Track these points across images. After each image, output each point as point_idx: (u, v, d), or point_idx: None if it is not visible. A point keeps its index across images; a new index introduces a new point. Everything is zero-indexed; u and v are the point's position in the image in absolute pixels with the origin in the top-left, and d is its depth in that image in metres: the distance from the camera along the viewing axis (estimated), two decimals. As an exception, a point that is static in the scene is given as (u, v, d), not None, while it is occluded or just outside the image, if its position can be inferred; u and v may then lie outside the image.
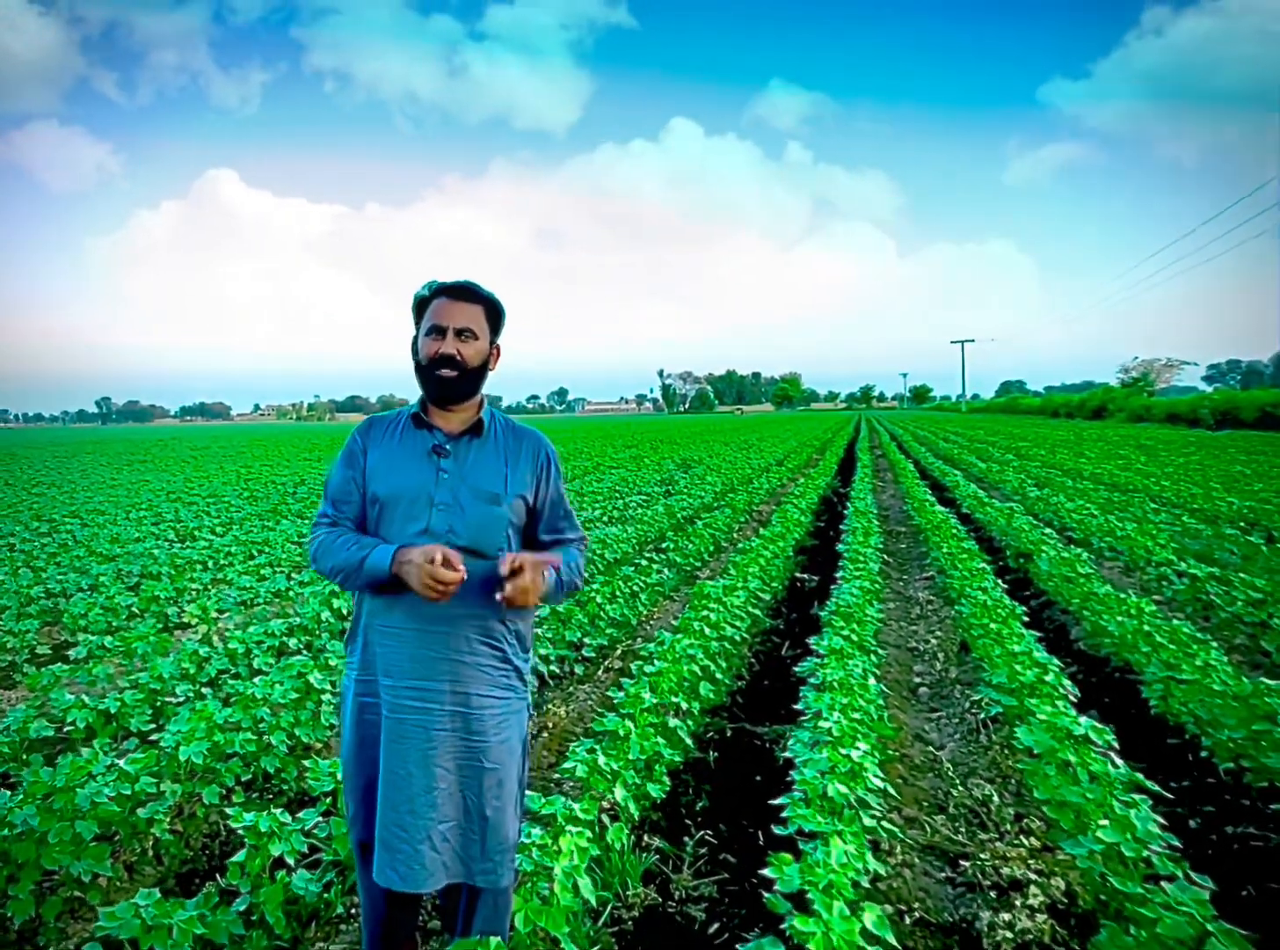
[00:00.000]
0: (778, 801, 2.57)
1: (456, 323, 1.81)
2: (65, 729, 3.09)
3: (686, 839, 2.92)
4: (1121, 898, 2.14)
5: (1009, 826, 2.92)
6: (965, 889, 2.61)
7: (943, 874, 2.71)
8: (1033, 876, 2.53)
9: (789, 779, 2.71)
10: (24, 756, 2.91)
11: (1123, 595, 5.07)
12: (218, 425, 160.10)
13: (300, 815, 2.40)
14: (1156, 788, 2.61)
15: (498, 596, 1.67)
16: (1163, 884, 2.09)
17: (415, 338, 1.88)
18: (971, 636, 4.70)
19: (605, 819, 2.68)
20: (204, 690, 3.55)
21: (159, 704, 3.38)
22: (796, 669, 3.95)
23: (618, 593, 5.36)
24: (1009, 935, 2.26)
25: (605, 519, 9.68)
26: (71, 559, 7.28)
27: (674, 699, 3.50)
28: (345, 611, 4.87)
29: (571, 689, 4.36)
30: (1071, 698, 3.51)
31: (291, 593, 5.77)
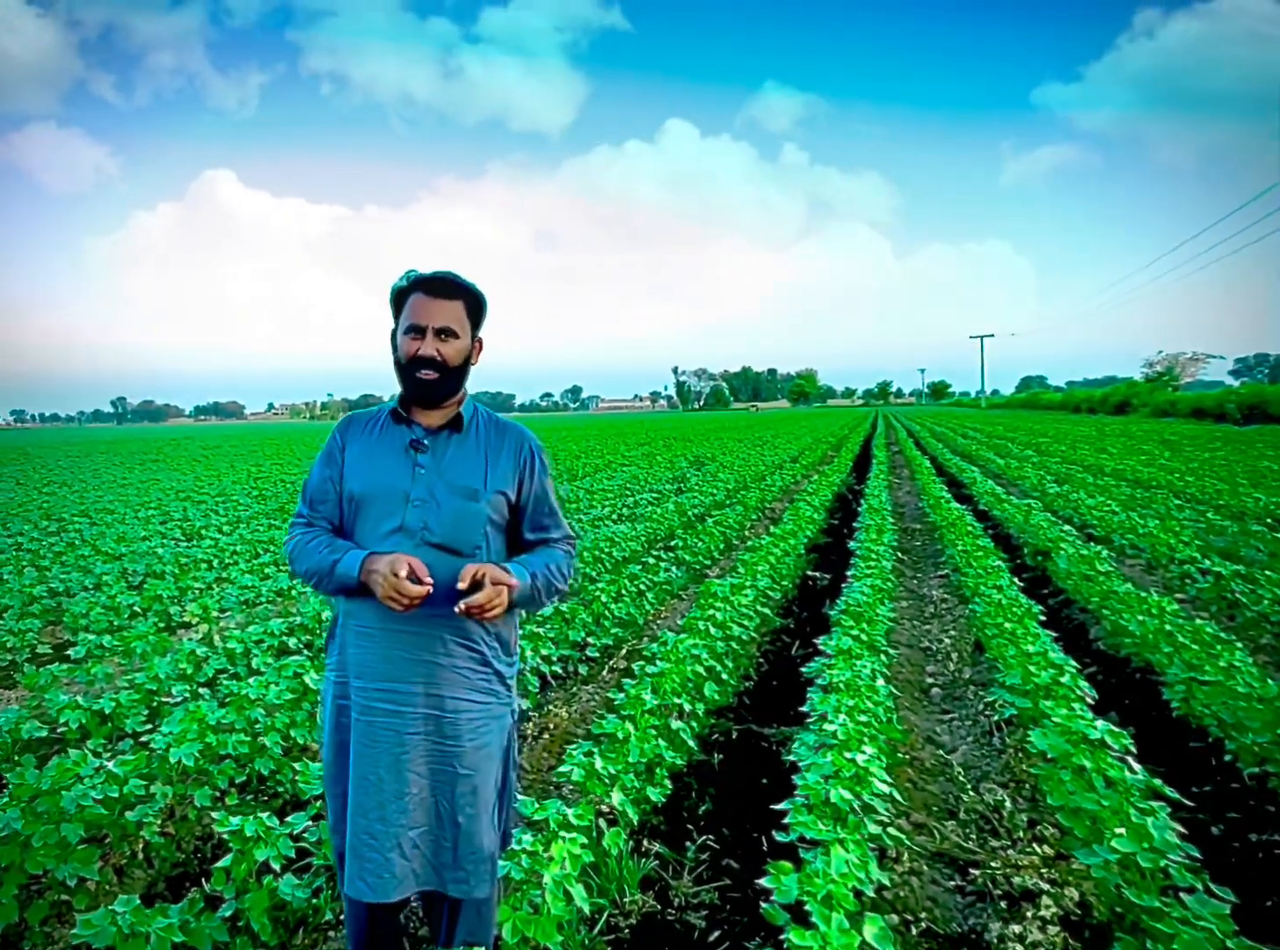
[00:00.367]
0: (780, 807, 2.49)
1: (436, 322, 1.74)
2: (59, 730, 3.07)
3: (688, 844, 2.85)
4: (1138, 910, 2.04)
5: (1022, 834, 2.82)
6: (975, 898, 2.51)
7: (952, 882, 2.61)
8: (1045, 886, 2.43)
9: (794, 783, 2.63)
10: (16, 757, 2.89)
11: (1144, 594, 4.92)
12: (231, 425, 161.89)
13: (289, 819, 2.35)
14: (1175, 795, 2.50)
15: (455, 610, 1.61)
16: (1181, 896, 2.00)
17: (394, 332, 1.81)
18: (985, 636, 4.58)
19: (602, 824, 2.61)
20: (201, 691, 3.53)
21: (155, 704, 3.37)
22: (804, 669, 3.87)
23: (624, 591, 5.30)
24: (1019, 948, 2.17)
25: (615, 517, 9.61)
26: (76, 558, 7.31)
27: (677, 700, 3.42)
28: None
29: (575, 689, 4.30)
30: (1088, 700, 3.39)
31: (294, 592, 5.76)
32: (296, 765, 2.82)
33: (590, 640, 4.65)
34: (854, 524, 8.39)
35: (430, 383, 1.75)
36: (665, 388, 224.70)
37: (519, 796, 2.47)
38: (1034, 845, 2.72)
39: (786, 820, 2.39)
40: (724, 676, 4.03)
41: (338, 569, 1.69)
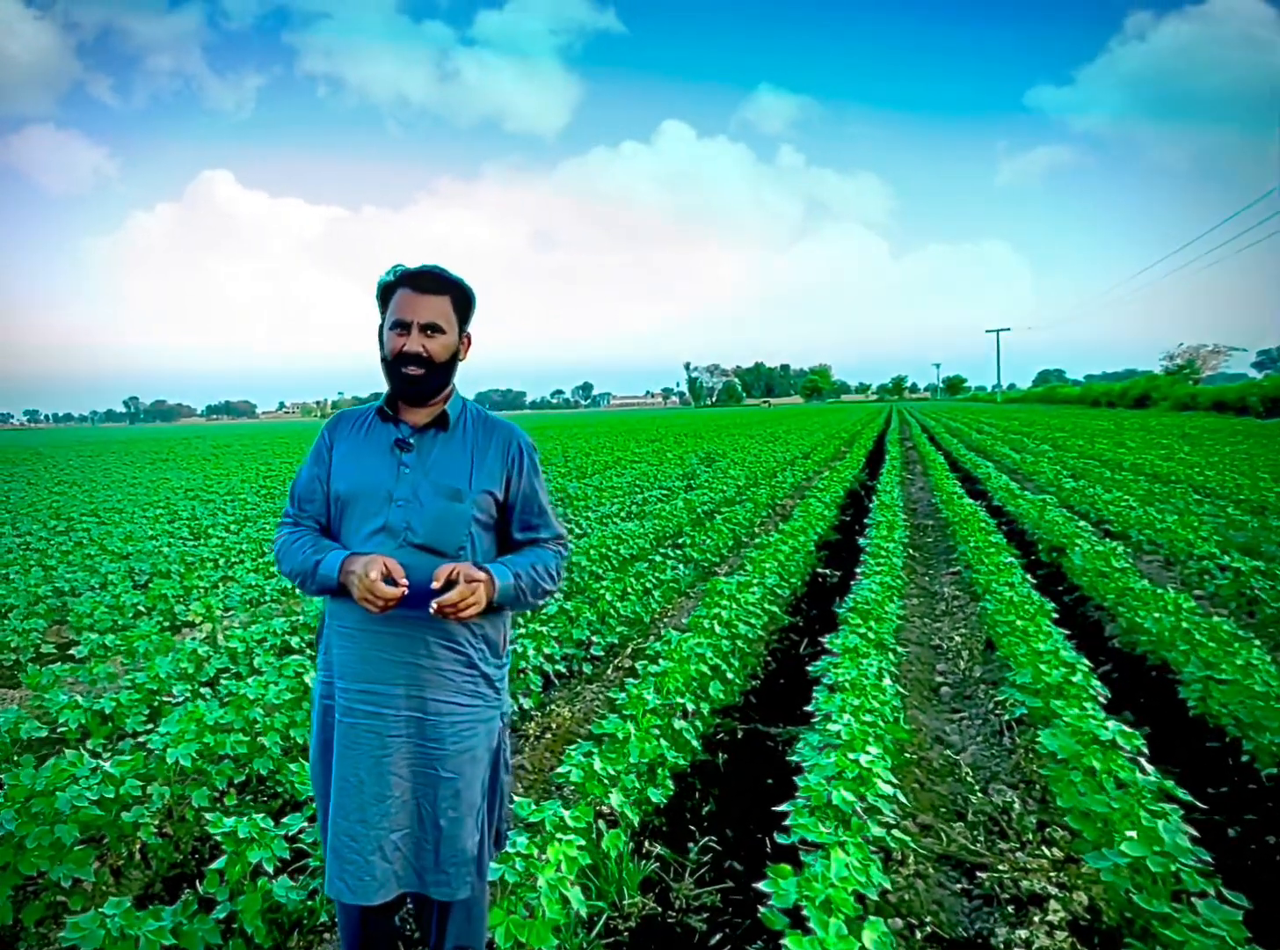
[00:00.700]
0: (782, 808, 2.45)
1: (422, 318, 1.70)
2: (59, 730, 3.08)
3: (691, 845, 2.81)
4: (1147, 916, 1.99)
5: (1031, 836, 2.76)
6: (982, 902, 2.46)
7: (958, 886, 2.56)
8: (1054, 890, 2.37)
9: (798, 784, 2.59)
10: (15, 757, 2.90)
11: (1160, 590, 4.83)
12: (243, 424, 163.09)
13: (285, 820, 2.34)
14: (1188, 796, 2.43)
15: (430, 610, 1.58)
16: (1193, 901, 1.94)
17: (381, 328, 1.78)
18: (997, 634, 4.51)
19: (602, 825, 2.58)
20: (203, 690, 3.53)
21: (157, 704, 3.37)
22: (810, 668, 3.82)
23: (629, 590, 5.26)
24: (1026, 955, 2.12)
25: (623, 514, 9.58)
26: (83, 557, 7.34)
27: (680, 700, 3.38)
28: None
29: (579, 689, 4.27)
30: (1101, 699, 3.32)
31: (298, 591, 5.76)
32: (293, 766, 2.81)
33: (595, 639, 4.62)
34: (866, 520, 8.31)
35: (417, 379, 1.72)
36: (677, 384, 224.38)
37: (513, 798, 2.44)
38: (1043, 848, 2.66)
39: (788, 822, 2.35)
40: (730, 675, 3.99)
41: (319, 570, 1.67)
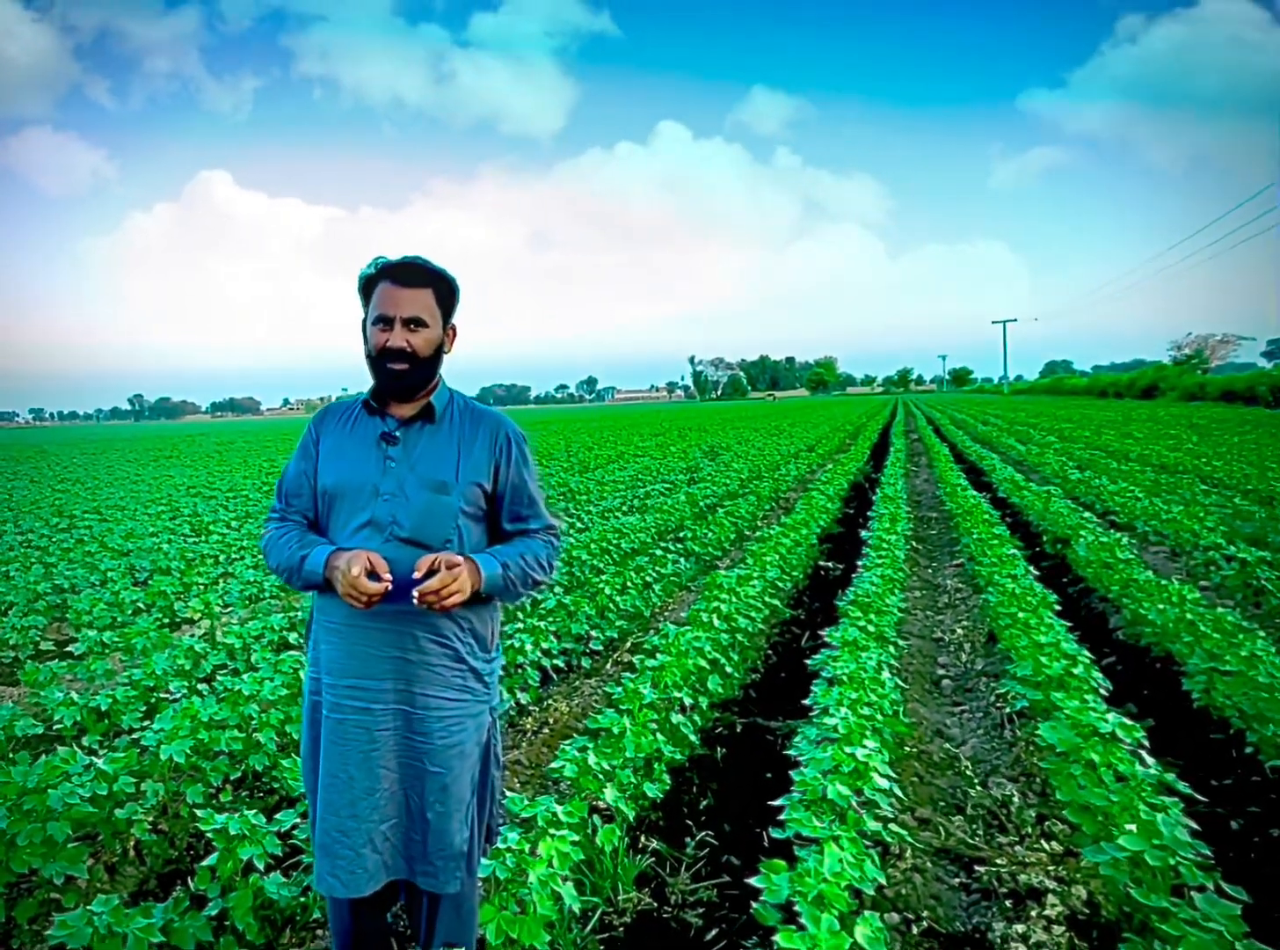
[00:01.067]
0: (777, 803, 2.43)
1: (404, 312, 1.68)
2: (55, 727, 3.08)
3: (688, 840, 2.80)
4: (1146, 910, 1.96)
5: (1030, 830, 2.74)
6: (980, 897, 2.44)
7: (956, 880, 2.54)
8: (1052, 885, 2.35)
9: (795, 778, 2.57)
10: (11, 755, 2.90)
11: (1164, 582, 4.78)
12: (247, 420, 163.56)
13: (278, 816, 2.33)
14: (1188, 789, 2.40)
15: (413, 601, 1.56)
16: (1192, 895, 1.91)
17: (364, 322, 1.76)
18: (999, 626, 4.48)
19: (597, 821, 2.56)
20: (200, 687, 3.52)
21: (154, 701, 3.37)
22: (809, 662, 3.79)
23: (629, 584, 5.24)
24: (1023, 948, 2.09)
25: (625, 508, 9.56)
26: (84, 554, 7.35)
27: (678, 694, 3.37)
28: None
29: (577, 683, 4.25)
30: (1102, 691, 3.29)
31: (285, 585, 5.75)
32: (288, 762, 2.80)
33: (594, 633, 4.61)
34: (869, 513, 8.27)
35: (401, 374, 1.70)
36: (682, 378, 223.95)
37: (505, 794, 2.42)
38: (1042, 842, 2.64)
39: (783, 816, 2.33)
40: (729, 669, 3.97)
41: (305, 565, 1.66)
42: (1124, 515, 8.15)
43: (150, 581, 5.91)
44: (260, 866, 2.11)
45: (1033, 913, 2.24)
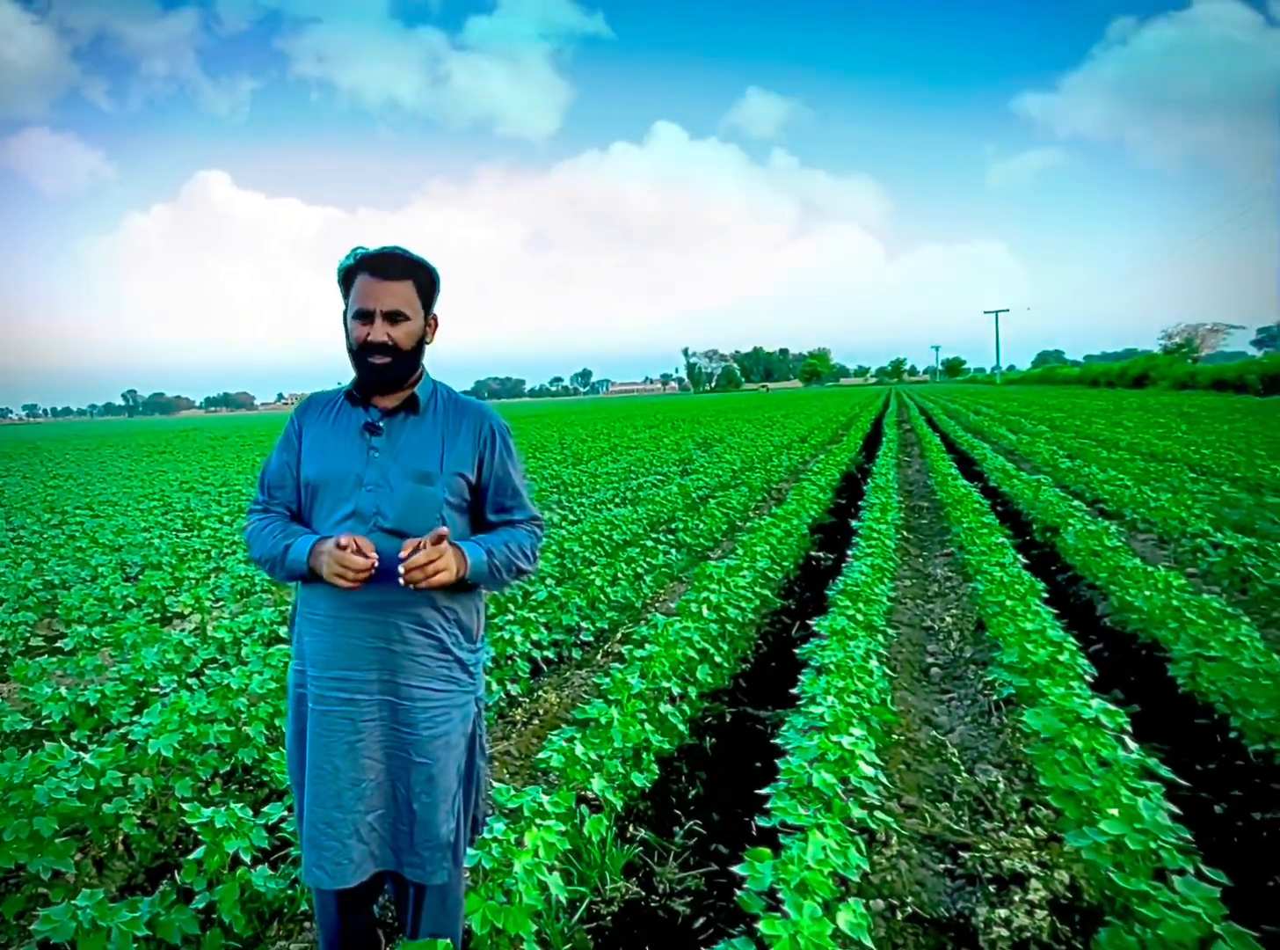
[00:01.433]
0: (764, 791, 2.44)
1: (384, 305, 1.67)
2: (44, 722, 3.07)
3: (676, 829, 2.81)
4: (1127, 894, 1.98)
5: (1015, 815, 2.76)
6: (964, 882, 2.46)
7: (942, 866, 2.56)
8: (1035, 869, 2.37)
9: (781, 766, 2.58)
10: (-2, 751, 2.89)
11: (1151, 569, 4.82)
12: (242, 415, 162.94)
13: (265, 809, 2.33)
14: (1170, 774, 2.42)
15: (400, 580, 1.56)
16: (1173, 878, 1.93)
17: (344, 314, 1.75)
18: (987, 614, 4.50)
19: (585, 810, 2.57)
20: (190, 681, 3.52)
21: (143, 696, 3.36)
22: (797, 651, 3.81)
23: (620, 575, 5.25)
24: (1004, 933, 2.12)
25: (617, 500, 9.56)
26: (74, 550, 7.31)
27: (666, 684, 3.38)
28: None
29: (568, 674, 4.26)
30: (1088, 678, 3.31)
31: (267, 577, 5.74)
32: (275, 755, 2.80)
33: (585, 625, 4.61)
34: (861, 503, 8.29)
35: (383, 368, 1.69)
36: (676, 370, 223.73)
37: (492, 784, 2.43)
38: (1026, 827, 2.66)
39: (769, 804, 2.34)
40: (718, 659, 3.98)
41: (289, 554, 1.66)
42: (1113, 503, 8.19)
43: (141, 577, 5.89)
44: (247, 859, 2.12)
45: (1015, 897, 2.26)
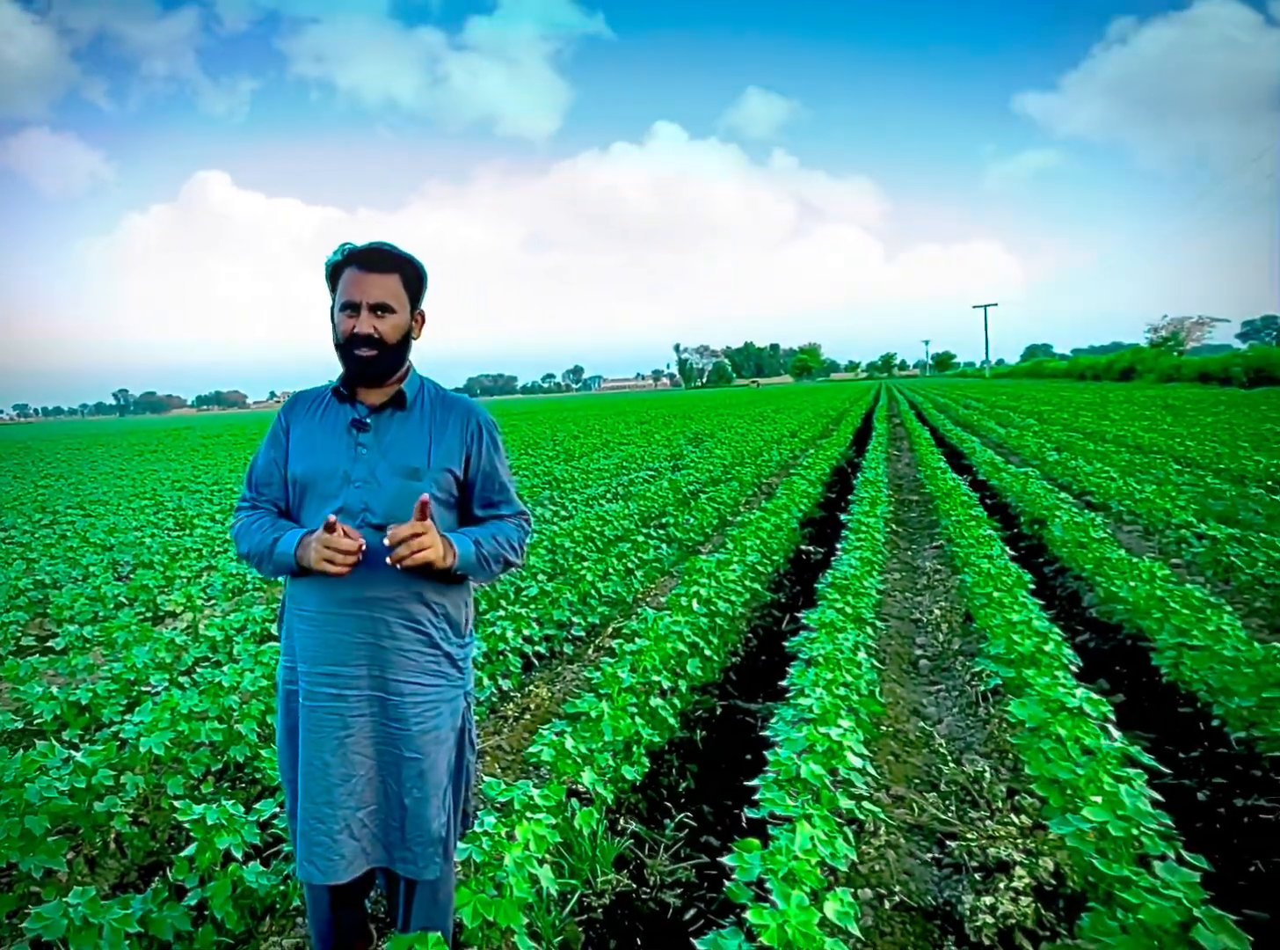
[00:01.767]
0: (753, 783, 2.47)
1: (370, 298, 1.68)
2: (35, 721, 3.07)
3: (667, 822, 2.84)
4: (1109, 880, 2.02)
5: (1001, 804, 2.80)
6: (951, 870, 2.49)
7: (929, 855, 2.59)
8: (1020, 857, 2.41)
9: (770, 758, 2.61)
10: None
11: (1135, 560, 4.87)
12: (233, 414, 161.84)
13: (257, 806, 2.34)
14: (1152, 762, 2.46)
15: (388, 559, 1.57)
16: (1155, 864, 1.97)
17: (331, 309, 1.76)
18: (975, 606, 4.54)
19: (576, 804, 2.59)
20: (182, 679, 3.52)
21: (135, 694, 3.36)
22: (787, 644, 3.84)
23: (611, 570, 5.26)
24: (990, 920, 2.15)
25: (609, 496, 9.57)
26: (66, 549, 7.28)
27: (657, 678, 3.40)
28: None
29: (559, 669, 4.28)
30: (1073, 668, 3.36)
31: (255, 573, 5.73)
32: (266, 752, 2.81)
33: (576, 620, 4.63)
34: (850, 497, 8.33)
35: (369, 361, 1.70)
36: (668, 366, 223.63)
37: (482, 779, 2.45)
38: (1012, 815, 2.69)
39: (758, 796, 2.37)
40: (709, 653, 4.01)
41: (276, 548, 1.66)
42: (1099, 495, 8.27)
43: (133, 576, 5.87)
44: (239, 856, 2.12)
45: (1001, 885, 2.29)
